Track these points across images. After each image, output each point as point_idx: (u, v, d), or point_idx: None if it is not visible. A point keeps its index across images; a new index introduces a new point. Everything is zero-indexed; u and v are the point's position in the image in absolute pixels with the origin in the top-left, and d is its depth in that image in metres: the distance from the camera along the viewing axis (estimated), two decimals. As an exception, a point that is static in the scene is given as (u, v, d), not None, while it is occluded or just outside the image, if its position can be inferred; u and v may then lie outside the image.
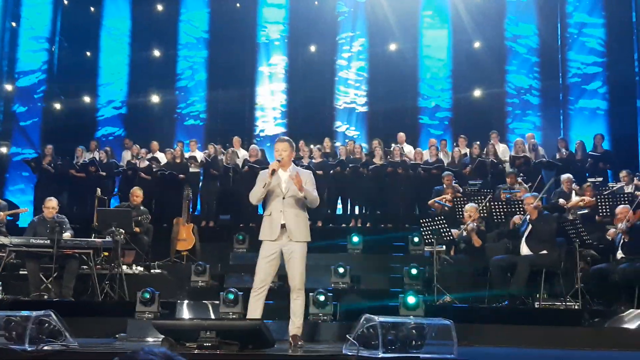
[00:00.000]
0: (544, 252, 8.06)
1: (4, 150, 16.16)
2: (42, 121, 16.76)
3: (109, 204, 11.97)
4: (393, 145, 12.93)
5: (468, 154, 12.76)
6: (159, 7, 17.46)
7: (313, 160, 12.50)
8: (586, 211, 9.66)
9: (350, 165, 12.33)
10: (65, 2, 17.31)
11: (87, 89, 17.16)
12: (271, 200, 5.96)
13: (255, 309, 5.83)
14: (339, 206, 13.11)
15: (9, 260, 8.48)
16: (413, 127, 16.18)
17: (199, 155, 13.11)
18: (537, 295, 8.06)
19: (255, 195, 5.96)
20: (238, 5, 17.37)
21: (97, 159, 13.26)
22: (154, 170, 12.73)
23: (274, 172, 5.82)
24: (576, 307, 7.89)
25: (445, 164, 12.43)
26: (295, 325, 5.85)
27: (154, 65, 17.28)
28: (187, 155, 13.15)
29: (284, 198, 5.89)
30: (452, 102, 16.53)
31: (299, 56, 17.23)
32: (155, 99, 17.16)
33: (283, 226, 5.84)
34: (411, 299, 7.30)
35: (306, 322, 7.22)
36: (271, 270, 5.90)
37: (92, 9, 17.36)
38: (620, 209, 8.38)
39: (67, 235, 8.56)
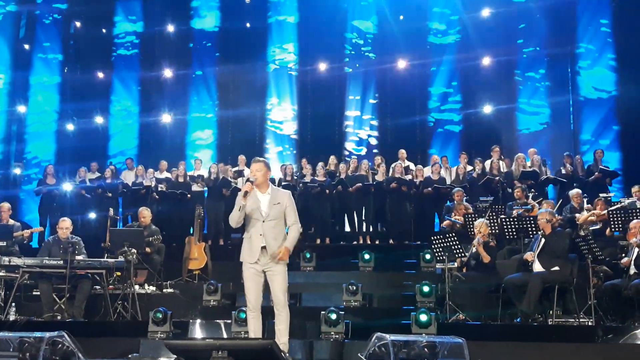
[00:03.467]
0: (556, 268, 8.01)
1: (18, 171, 16.28)
2: (56, 141, 16.91)
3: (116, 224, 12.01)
4: (394, 163, 12.90)
5: (473, 170, 12.75)
6: (170, 28, 17.61)
7: (316, 178, 12.50)
8: (598, 227, 9.61)
9: (357, 184, 12.31)
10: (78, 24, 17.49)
11: (99, 108, 17.34)
12: (251, 223, 5.97)
13: (255, 330, 5.93)
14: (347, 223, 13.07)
15: (22, 281, 8.52)
16: (423, 143, 16.30)
17: (205, 174, 13.14)
18: (550, 312, 8.00)
19: (233, 219, 5.99)
20: (248, 25, 17.52)
21: (104, 178, 13.31)
22: (159, 190, 12.76)
23: (246, 193, 5.84)
24: (589, 323, 7.83)
25: (449, 181, 12.44)
26: (281, 342, 5.84)
27: (165, 86, 17.46)
28: (193, 174, 13.19)
29: (263, 222, 5.91)
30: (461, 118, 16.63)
31: (307, 75, 17.35)
32: (166, 118, 17.29)
33: (263, 248, 5.88)
34: (423, 317, 7.28)
35: (317, 341, 7.25)
36: (260, 290, 5.96)
37: (103, 30, 17.57)
38: (634, 223, 8.35)
39: (80, 258, 8.62)
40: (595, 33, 15.94)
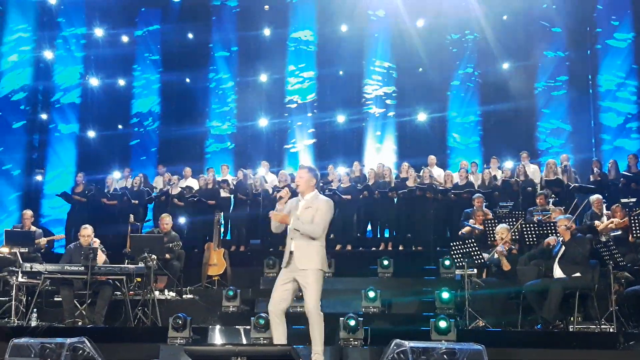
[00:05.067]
0: (577, 274, 7.94)
1: (39, 178, 16.47)
2: (78, 148, 17.14)
3: (141, 230, 12.10)
4: (423, 167, 12.90)
5: (499, 176, 12.67)
6: (190, 35, 17.76)
7: (342, 185, 12.51)
8: (619, 232, 9.51)
9: (378, 190, 12.31)
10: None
11: (120, 116, 17.52)
12: (288, 227, 6.02)
13: (278, 336, 5.89)
14: (369, 229, 13.06)
15: (43, 287, 8.62)
16: (443, 149, 16.30)
17: (230, 180, 13.21)
18: (571, 319, 7.94)
19: (272, 224, 6.07)
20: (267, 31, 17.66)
21: (129, 187, 13.45)
22: (187, 197, 12.87)
23: (280, 199, 5.94)
24: (611, 330, 7.74)
25: (476, 186, 12.37)
26: (315, 352, 5.81)
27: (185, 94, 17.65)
28: (219, 179, 13.28)
29: None
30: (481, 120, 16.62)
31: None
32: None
33: (292, 253, 5.89)
34: (443, 323, 7.24)
35: (336, 347, 7.24)
36: (285, 295, 5.92)
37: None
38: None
39: (101, 257, 8.70)
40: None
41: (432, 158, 13.64)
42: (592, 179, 12.28)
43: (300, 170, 6.16)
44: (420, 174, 12.65)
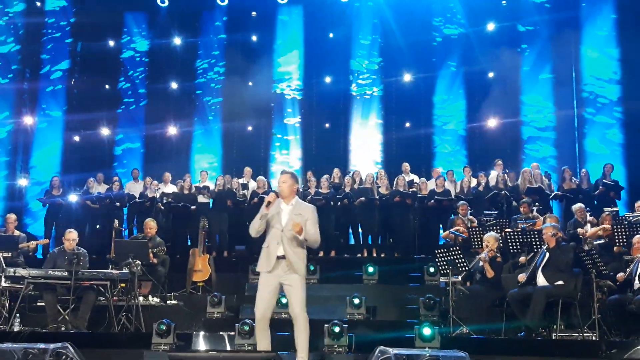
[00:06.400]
0: (561, 282, 7.99)
1: (24, 182, 16.36)
2: (63, 151, 17.05)
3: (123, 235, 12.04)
4: (398, 176, 12.91)
5: (476, 184, 12.75)
6: (177, 41, 17.72)
7: (320, 190, 12.50)
8: (602, 241, 9.60)
9: (361, 198, 12.31)
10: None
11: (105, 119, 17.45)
12: (270, 232, 6.03)
13: (263, 340, 5.91)
14: (351, 236, 13.07)
15: (27, 292, 8.55)
16: (427, 155, 16.38)
17: (211, 186, 13.16)
18: (554, 327, 7.99)
19: (253, 227, 6.05)
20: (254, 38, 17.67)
21: (113, 190, 13.35)
22: (164, 202, 12.80)
23: (269, 203, 5.91)
24: (593, 338, 7.81)
25: (454, 194, 12.44)
26: (300, 357, 5.84)
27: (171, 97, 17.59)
28: (199, 185, 13.21)
29: (282, 231, 5.95)
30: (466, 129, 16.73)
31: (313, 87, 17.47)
32: (172, 130, 17.39)
33: (279, 258, 5.91)
34: (427, 331, 7.26)
35: (320, 354, 7.25)
36: (271, 301, 5.98)
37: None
38: (637, 238, 8.35)
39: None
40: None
41: (405, 165, 13.68)
42: (565, 187, 12.37)
43: (283, 175, 6.19)
44: (395, 180, 12.65)
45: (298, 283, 5.90)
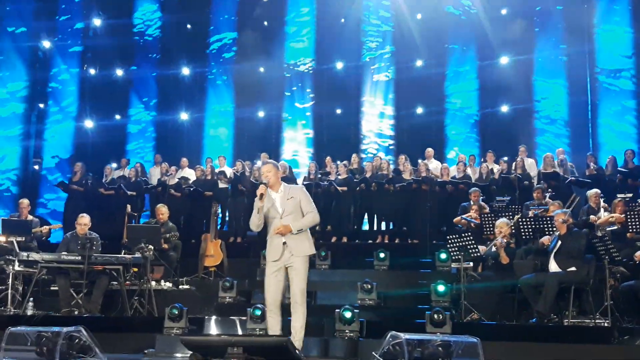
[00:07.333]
0: (573, 268, 7.95)
1: (37, 167, 16.44)
2: (74, 138, 17.12)
3: (138, 221, 12.09)
4: (420, 161, 12.89)
5: (496, 170, 12.67)
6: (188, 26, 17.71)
7: (339, 177, 12.49)
8: (615, 227, 9.52)
9: (375, 181, 12.27)
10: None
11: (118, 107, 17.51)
12: (270, 222, 6.14)
13: (274, 326, 5.99)
14: (365, 221, 13.04)
15: (40, 276, 8.61)
16: (439, 142, 16.27)
17: (228, 171, 13.21)
18: (566, 313, 7.95)
19: (253, 223, 6.18)
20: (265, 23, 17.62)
21: (127, 176, 13.43)
22: (184, 187, 12.85)
23: (262, 196, 6.00)
24: (606, 324, 7.76)
25: (473, 180, 12.36)
26: (296, 339, 5.90)
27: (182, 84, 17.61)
28: (216, 170, 13.27)
29: (281, 218, 6.05)
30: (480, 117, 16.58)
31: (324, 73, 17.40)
32: (184, 116, 17.42)
33: (283, 244, 6.00)
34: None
35: (332, 338, 7.27)
36: (279, 289, 6.05)
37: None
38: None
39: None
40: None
41: (429, 151, 13.64)
42: (587, 173, 12.28)
43: (266, 165, 6.28)
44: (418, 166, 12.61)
45: (300, 265, 5.99)
